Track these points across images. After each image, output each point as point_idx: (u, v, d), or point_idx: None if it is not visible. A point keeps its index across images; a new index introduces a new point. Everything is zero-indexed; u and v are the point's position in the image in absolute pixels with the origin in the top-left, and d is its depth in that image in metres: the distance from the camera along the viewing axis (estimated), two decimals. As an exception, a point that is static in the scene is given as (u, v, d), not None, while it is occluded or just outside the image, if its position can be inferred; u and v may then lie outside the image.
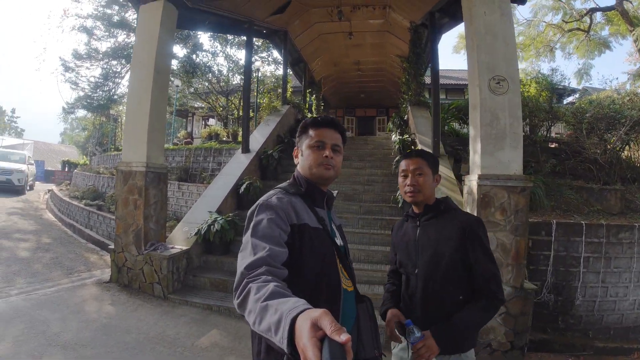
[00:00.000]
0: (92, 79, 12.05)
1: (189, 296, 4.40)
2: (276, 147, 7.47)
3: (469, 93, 4.38)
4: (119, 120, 14.35)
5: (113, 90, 12.24)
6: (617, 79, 11.70)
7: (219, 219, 5.06)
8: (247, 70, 7.43)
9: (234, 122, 11.65)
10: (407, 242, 1.63)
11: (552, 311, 4.01)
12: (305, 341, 0.59)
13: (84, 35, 11.98)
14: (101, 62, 11.67)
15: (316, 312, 0.63)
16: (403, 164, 1.63)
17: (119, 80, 12.23)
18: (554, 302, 4.01)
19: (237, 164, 6.81)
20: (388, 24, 8.91)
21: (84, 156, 17.06)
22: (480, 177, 3.84)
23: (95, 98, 11.81)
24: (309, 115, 11.29)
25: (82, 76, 12.06)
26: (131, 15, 10.78)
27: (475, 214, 3.17)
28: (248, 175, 6.54)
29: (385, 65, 11.78)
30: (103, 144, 13.71)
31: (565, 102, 11.56)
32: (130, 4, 9.97)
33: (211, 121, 16.05)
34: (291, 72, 11.18)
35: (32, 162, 17.11)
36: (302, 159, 1.26)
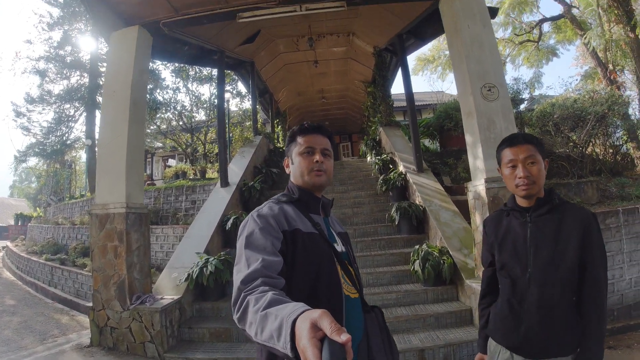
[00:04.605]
0: (44, 124, 11.27)
1: (189, 352, 3.79)
2: (256, 178, 7.13)
3: (461, 102, 4.49)
4: (74, 166, 13.13)
5: (66, 135, 11.35)
6: (576, 79, 12.75)
7: (211, 259, 4.55)
8: (220, 102, 7.15)
9: (200, 159, 11.13)
10: (514, 240, 1.43)
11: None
12: (304, 342, 0.59)
13: (36, 78, 11.54)
14: (54, 106, 10.87)
15: (315, 313, 0.62)
16: (509, 153, 1.42)
17: (73, 124, 11.47)
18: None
19: (218, 199, 6.35)
20: (352, 51, 9.22)
21: (37, 208, 15.62)
22: (487, 181, 3.87)
23: (48, 144, 10.83)
24: (279, 145, 11.15)
25: (34, 121, 11.24)
26: (84, 57, 10.30)
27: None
28: (231, 209, 6.11)
29: (348, 91, 12.12)
30: (58, 193, 12.41)
31: (515, 110, 12.50)
32: (91, 35, 9.55)
33: (171, 161, 15.24)
34: (257, 105, 11.07)
35: (-18, 219, 15.49)
36: (293, 167, 1.25)
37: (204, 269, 4.43)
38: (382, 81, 8.77)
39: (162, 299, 4.13)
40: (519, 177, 1.38)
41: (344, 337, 0.56)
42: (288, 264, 1.04)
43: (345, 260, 1.19)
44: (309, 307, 0.68)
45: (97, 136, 11.31)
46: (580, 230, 1.32)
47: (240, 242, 1.06)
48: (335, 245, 1.20)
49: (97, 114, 11.44)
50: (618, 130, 6.20)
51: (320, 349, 0.58)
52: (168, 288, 4.44)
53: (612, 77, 8.92)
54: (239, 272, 0.96)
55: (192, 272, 4.45)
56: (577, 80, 12.26)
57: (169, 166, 12.60)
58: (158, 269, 5.87)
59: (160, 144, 12.66)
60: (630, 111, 6.87)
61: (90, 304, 4.20)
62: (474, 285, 3.88)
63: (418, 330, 3.86)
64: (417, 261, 4.47)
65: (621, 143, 6.38)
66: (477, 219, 4.07)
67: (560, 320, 1.32)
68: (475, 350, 3.43)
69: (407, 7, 5.34)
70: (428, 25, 5.77)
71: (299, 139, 1.25)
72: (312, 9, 4.54)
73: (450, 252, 4.50)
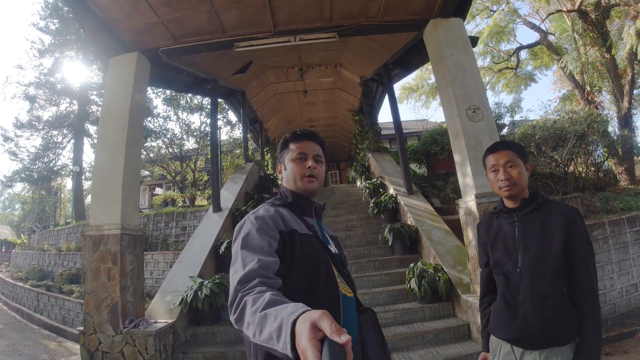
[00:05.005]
0: (32, 150, 11.25)
1: (184, 379, 3.65)
2: (248, 204, 7.15)
3: (448, 124, 4.75)
4: (60, 194, 12.87)
5: (54, 162, 11.31)
6: (555, 102, 13.24)
7: (206, 283, 4.48)
8: (214, 130, 7.29)
9: (189, 187, 11.11)
10: (505, 239, 1.55)
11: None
12: (305, 342, 0.59)
13: (26, 103, 11.40)
14: (42, 132, 10.88)
15: (316, 314, 0.63)
16: (491, 159, 1.56)
17: (60, 151, 11.42)
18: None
19: (211, 224, 6.30)
20: (340, 81, 9.62)
21: (21, 235, 15.14)
22: (477, 197, 4.02)
23: (34, 170, 10.73)
24: (269, 172, 11.26)
25: (21, 147, 11.22)
26: (74, 84, 10.43)
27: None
28: (224, 234, 6.08)
29: (336, 120, 12.47)
30: (43, 220, 12.03)
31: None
32: (82, 63, 9.71)
33: (158, 190, 15.07)
34: (248, 134, 11.27)
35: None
36: (286, 172, 1.28)
37: (199, 293, 4.34)
38: (369, 109, 9.11)
39: (155, 322, 4.01)
40: (500, 179, 1.52)
41: (344, 338, 0.57)
42: (285, 264, 1.04)
43: (339, 262, 1.22)
44: (309, 308, 0.68)
45: (83, 164, 11.31)
46: (564, 224, 1.42)
47: (236, 244, 1.07)
48: (329, 247, 1.23)
49: (86, 141, 11.56)
50: (598, 148, 6.52)
51: (320, 349, 0.58)
52: (161, 312, 4.31)
53: (589, 98, 9.42)
54: (236, 273, 0.96)
55: (187, 295, 4.35)
56: (555, 102, 12.81)
57: (156, 194, 12.47)
58: (148, 295, 5.69)
59: (147, 172, 12.65)
60: (610, 129, 7.25)
61: (77, 331, 4.04)
62: (471, 300, 3.93)
63: (418, 348, 3.84)
64: (413, 279, 4.51)
65: (602, 160, 6.69)
66: (470, 234, 4.18)
67: (553, 311, 1.39)
68: (475, 363, 3.44)
69: (393, 38, 5.71)
70: (413, 55, 6.15)
71: (292, 146, 1.28)
72: (306, 39, 4.83)
73: (445, 269, 4.56)
